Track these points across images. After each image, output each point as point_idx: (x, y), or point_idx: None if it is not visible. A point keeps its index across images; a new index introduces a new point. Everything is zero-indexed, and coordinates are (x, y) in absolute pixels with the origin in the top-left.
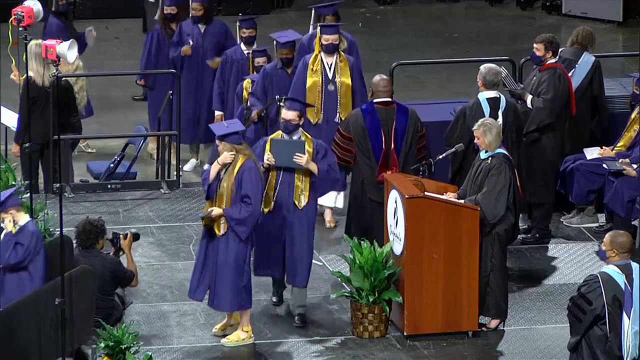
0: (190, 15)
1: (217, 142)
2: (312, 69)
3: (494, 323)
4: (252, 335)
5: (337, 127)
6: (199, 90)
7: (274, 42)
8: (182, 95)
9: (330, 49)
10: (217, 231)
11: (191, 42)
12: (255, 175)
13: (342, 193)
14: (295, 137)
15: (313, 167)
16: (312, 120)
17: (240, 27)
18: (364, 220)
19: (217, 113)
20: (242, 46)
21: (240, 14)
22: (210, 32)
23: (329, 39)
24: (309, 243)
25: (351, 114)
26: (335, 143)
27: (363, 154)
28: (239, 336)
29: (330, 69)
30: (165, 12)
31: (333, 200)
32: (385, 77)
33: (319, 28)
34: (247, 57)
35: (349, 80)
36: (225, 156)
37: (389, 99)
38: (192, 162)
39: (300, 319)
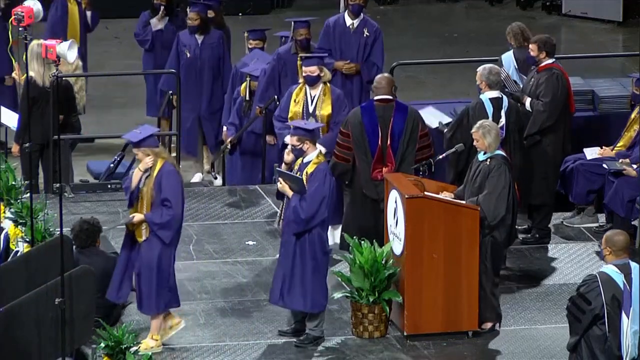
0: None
1: (134, 150)
2: (295, 100)
3: (488, 325)
4: (161, 345)
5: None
6: (198, 103)
7: (292, 25)
8: (182, 109)
9: (309, 81)
10: (138, 238)
11: (188, 54)
12: (174, 178)
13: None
14: (307, 160)
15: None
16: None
17: (247, 38)
18: (362, 219)
19: (226, 129)
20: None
21: (240, 14)
22: (207, 43)
23: (306, 70)
24: None
25: (351, 112)
26: (337, 143)
27: (359, 150)
28: (147, 344)
29: (312, 101)
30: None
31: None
32: (386, 75)
33: (299, 58)
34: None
35: (328, 112)
36: (146, 162)
37: (389, 97)
38: (198, 175)
39: (302, 339)
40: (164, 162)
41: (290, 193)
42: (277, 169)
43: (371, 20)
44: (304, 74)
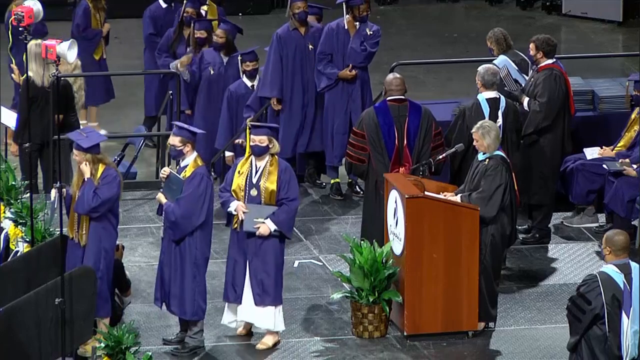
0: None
1: (74, 151)
2: (239, 172)
3: (480, 325)
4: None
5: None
6: (218, 121)
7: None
8: (201, 128)
9: (257, 151)
10: (81, 242)
11: (212, 71)
12: (113, 182)
13: (280, 314)
14: (184, 163)
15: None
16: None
17: (243, 61)
18: (380, 219)
19: (228, 154)
20: (245, 80)
21: (240, 14)
22: (232, 62)
23: (255, 140)
24: None
25: (364, 112)
26: (350, 143)
27: (376, 150)
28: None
29: (257, 172)
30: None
31: (272, 322)
32: (398, 75)
33: (249, 127)
34: (252, 90)
35: (273, 186)
36: (83, 169)
37: (402, 97)
38: None
39: (180, 347)
40: (104, 167)
41: (163, 201)
42: (172, 171)
43: (371, 23)
44: (252, 143)
